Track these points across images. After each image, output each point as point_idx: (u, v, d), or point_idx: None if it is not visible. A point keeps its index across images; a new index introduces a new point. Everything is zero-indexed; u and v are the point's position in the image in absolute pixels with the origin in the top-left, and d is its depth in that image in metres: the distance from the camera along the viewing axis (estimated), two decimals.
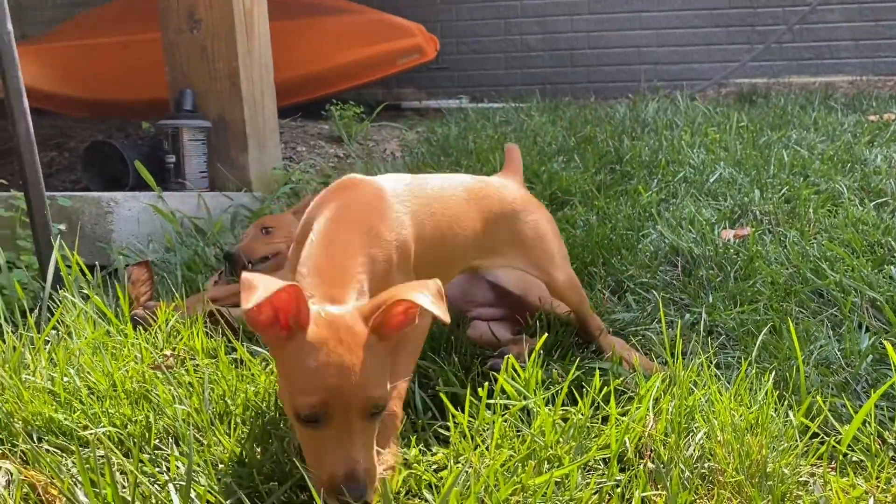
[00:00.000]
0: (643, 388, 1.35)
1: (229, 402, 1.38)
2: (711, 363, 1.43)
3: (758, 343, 1.53)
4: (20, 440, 1.25)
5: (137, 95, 5.10)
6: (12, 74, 1.77)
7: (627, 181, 2.83)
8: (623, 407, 1.34)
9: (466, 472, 1.15)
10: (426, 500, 1.14)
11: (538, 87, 6.36)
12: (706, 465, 1.20)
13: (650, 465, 1.21)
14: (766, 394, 1.30)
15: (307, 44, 5.19)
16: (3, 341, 1.56)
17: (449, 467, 1.19)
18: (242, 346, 1.57)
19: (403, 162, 3.57)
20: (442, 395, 1.34)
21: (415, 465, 1.21)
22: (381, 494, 1.06)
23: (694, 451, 1.22)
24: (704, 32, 5.89)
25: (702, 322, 1.71)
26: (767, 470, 1.16)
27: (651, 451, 1.24)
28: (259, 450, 1.21)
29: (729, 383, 1.40)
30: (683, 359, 1.42)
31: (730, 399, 1.30)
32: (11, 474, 1.18)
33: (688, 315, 1.80)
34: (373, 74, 5.49)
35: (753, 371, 1.42)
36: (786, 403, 1.32)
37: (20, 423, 1.31)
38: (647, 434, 1.26)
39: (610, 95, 6.11)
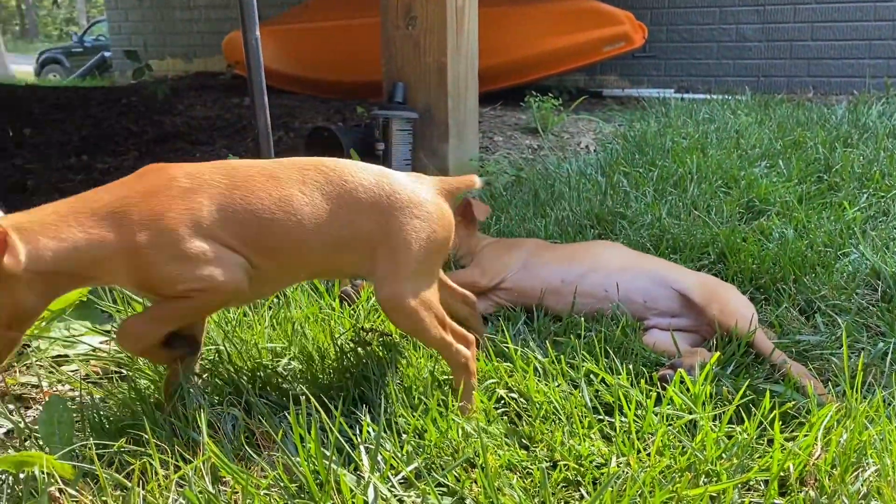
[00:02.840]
0: (815, 416, 1.34)
1: (414, 377, 1.54)
2: (894, 400, 1.38)
3: None
4: (244, 393, 1.49)
5: (355, 77, 5.51)
6: (257, 74, 2.05)
7: (834, 193, 2.68)
8: (791, 432, 1.34)
9: (625, 473, 1.23)
10: (583, 495, 1.23)
11: (751, 79, 6.07)
12: (872, 503, 1.18)
13: (812, 493, 1.21)
14: None
15: (515, 30, 5.31)
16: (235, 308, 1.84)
17: (608, 466, 1.27)
18: None
19: (596, 158, 3.59)
20: (619, 393, 1.41)
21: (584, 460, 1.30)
22: None
23: (861, 486, 1.21)
24: None
25: (891, 352, 1.64)
26: None
27: (815, 479, 1.24)
28: (435, 426, 1.36)
29: None
30: (863, 389, 1.38)
31: None
32: (237, 419, 1.41)
33: (881, 343, 1.72)
34: (577, 62, 5.52)
35: None
36: None
37: (245, 378, 1.55)
38: (812, 463, 1.26)
39: (830, 91, 5.71)
